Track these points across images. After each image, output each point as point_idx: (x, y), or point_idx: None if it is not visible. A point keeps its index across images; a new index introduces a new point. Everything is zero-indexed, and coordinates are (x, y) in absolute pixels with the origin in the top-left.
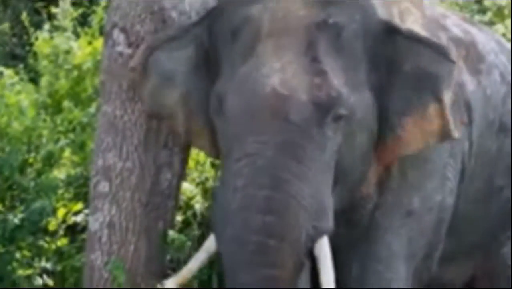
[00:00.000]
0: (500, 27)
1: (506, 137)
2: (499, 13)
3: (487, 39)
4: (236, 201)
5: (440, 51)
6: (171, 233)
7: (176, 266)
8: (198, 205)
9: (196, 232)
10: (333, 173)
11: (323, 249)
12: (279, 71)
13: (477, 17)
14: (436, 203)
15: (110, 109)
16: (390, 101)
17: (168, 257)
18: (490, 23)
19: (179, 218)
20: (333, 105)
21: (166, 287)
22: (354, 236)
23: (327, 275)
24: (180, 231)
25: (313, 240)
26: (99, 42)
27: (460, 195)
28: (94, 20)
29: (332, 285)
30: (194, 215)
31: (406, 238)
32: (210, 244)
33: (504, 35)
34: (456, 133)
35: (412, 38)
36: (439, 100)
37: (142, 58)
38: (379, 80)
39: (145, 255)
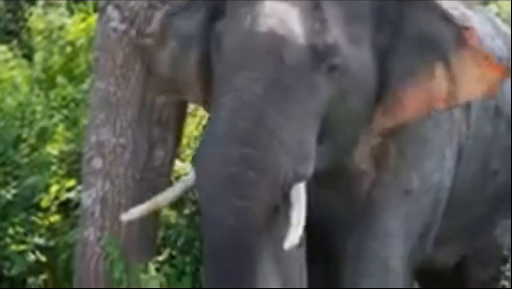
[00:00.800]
0: (493, 7)
1: (501, 122)
2: None
3: (483, 23)
4: (217, 132)
5: (444, 15)
6: (164, 210)
7: (167, 243)
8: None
9: (188, 209)
10: (321, 126)
11: (299, 195)
12: (279, 13)
13: None
14: (434, 183)
15: (104, 85)
16: (395, 64)
17: (160, 234)
18: (484, 3)
19: None
20: (329, 53)
21: (139, 211)
22: (351, 213)
23: (297, 223)
24: (173, 208)
25: (290, 183)
26: (93, 18)
27: (457, 176)
28: None
29: (298, 235)
30: (187, 192)
31: (403, 217)
32: (190, 177)
33: (498, 15)
34: (461, 101)
35: (418, 1)
36: (447, 62)
37: (160, 24)
38: (383, 42)
39: (137, 232)
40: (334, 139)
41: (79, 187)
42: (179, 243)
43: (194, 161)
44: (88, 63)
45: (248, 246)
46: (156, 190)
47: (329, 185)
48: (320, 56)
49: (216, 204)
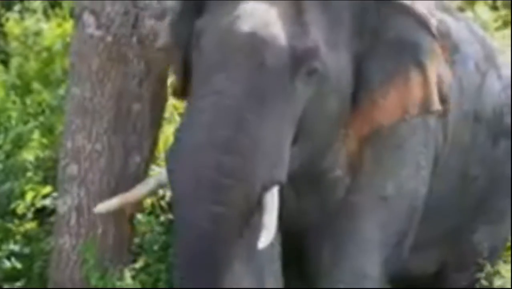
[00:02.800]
0: (470, 14)
1: (481, 127)
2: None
3: (461, 29)
4: (196, 137)
5: (421, 22)
6: (139, 217)
7: (143, 250)
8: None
9: (164, 216)
10: (296, 128)
11: (272, 199)
12: (261, 14)
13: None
14: (409, 191)
15: (80, 91)
16: (371, 68)
17: (136, 241)
18: (460, 10)
19: (148, 201)
20: (309, 57)
21: (110, 204)
22: (326, 218)
23: (268, 228)
24: (148, 214)
25: (266, 187)
26: (69, 24)
27: (433, 184)
28: (65, 2)
29: (269, 240)
30: (163, 197)
31: (379, 224)
32: (161, 175)
33: (474, 22)
34: (436, 107)
35: (395, 8)
36: (422, 69)
37: (167, 35)
38: (361, 46)
39: (113, 239)
40: (308, 142)
41: (55, 194)
42: (154, 250)
43: (167, 160)
44: (64, 69)
45: (221, 251)
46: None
47: (304, 189)
48: (300, 59)
49: (192, 208)
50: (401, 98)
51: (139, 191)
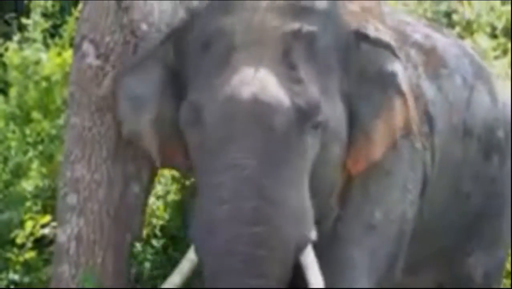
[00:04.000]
0: (468, 42)
1: (472, 142)
2: (467, 28)
3: (448, 44)
4: (222, 213)
5: (391, 50)
6: (138, 246)
7: (138, 279)
8: (159, 218)
9: (157, 244)
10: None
11: (309, 256)
12: (257, 79)
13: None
14: (397, 216)
15: (79, 121)
16: (362, 107)
17: (133, 270)
18: (459, 38)
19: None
20: (313, 112)
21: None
22: (317, 249)
23: (317, 283)
24: (144, 243)
25: (300, 248)
26: (68, 54)
27: (423, 204)
28: (65, 32)
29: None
30: (155, 227)
31: (368, 251)
32: (191, 255)
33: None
34: (415, 126)
35: (374, 42)
36: (401, 93)
37: (111, 85)
38: (349, 87)
39: (112, 268)
40: (319, 192)
41: (54, 223)
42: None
43: (194, 240)
44: (63, 99)
45: None
46: (130, 227)
47: None
48: (305, 116)
49: (231, 283)
50: (389, 128)
51: (174, 280)
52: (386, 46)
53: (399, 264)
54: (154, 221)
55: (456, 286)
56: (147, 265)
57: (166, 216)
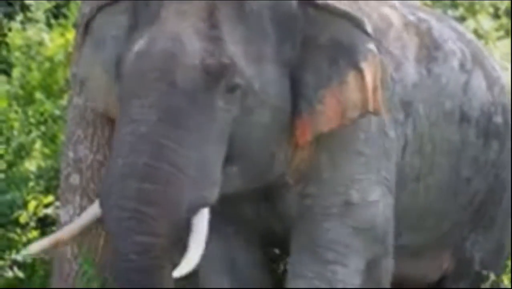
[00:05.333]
0: (471, 23)
1: (470, 127)
2: (470, 8)
3: (444, 27)
4: (117, 167)
5: (355, 23)
6: None
7: None
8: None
9: None
10: (229, 147)
11: (202, 220)
12: (172, 34)
13: (449, 12)
14: (376, 197)
15: (82, 101)
16: (307, 76)
17: None
18: (462, 18)
19: None
20: (225, 73)
21: (41, 245)
22: (288, 229)
23: (195, 251)
24: None
25: (194, 210)
26: (71, 34)
27: (419, 189)
28: (68, 12)
29: (194, 262)
30: None
31: (351, 228)
32: (95, 208)
33: (475, 31)
34: (373, 108)
35: (327, 10)
36: (358, 71)
37: (85, 20)
38: (293, 56)
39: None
40: (249, 159)
41: (57, 203)
42: None
43: (99, 194)
44: (66, 79)
45: (152, 282)
46: None
47: (259, 200)
48: (215, 76)
49: (119, 239)
50: (339, 103)
51: (71, 229)
52: (343, 16)
53: (392, 252)
54: None
55: (458, 271)
56: None
57: None
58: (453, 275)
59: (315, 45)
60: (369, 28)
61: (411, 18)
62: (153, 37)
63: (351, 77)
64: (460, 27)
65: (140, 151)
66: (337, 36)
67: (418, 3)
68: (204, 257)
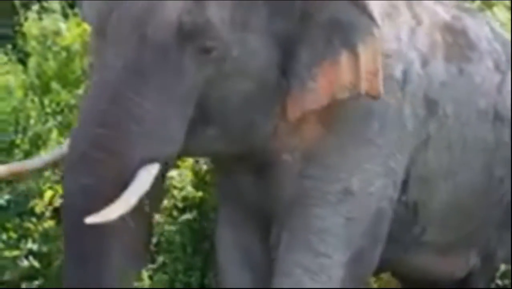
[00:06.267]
0: (487, 15)
1: (504, 127)
2: (487, 1)
3: (480, 27)
4: (82, 112)
5: (356, 4)
6: (157, 217)
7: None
8: (186, 190)
9: (182, 216)
10: (205, 108)
11: (146, 174)
12: None
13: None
14: (377, 189)
15: None
16: (301, 52)
17: (154, 240)
18: (479, 10)
19: (165, 202)
20: (199, 34)
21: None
22: (281, 207)
23: (124, 200)
24: (167, 216)
25: (144, 163)
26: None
27: (451, 184)
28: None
29: (117, 213)
30: (185, 199)
31: (344, 219)
32: (64, 146)
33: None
34: (371, 92)
35: None
36: (353, 51)
37: None
38: (288, 28)
39: (129, 238)
40: (227, 123)
41: None
42: (171, 250)
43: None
44: (83, 69)
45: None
46: (147, 195)
47: (249, 172)
48: (187, 36)
49: (67, 181)
50: (329, 82)
51: (36, 161)
52: None
53: (377, 250)
54: (175, 192)
55: (483, 268)
56: (168, 236)
57: (189, 188)
58: (479, 272)
59: (313, 22)
60: (371, 10)
61: (446, 16)
62: None
63: (344, 58)
64: (496, 26)
65: (101, 97)
66: (336, 15)
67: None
68: (221, 249)
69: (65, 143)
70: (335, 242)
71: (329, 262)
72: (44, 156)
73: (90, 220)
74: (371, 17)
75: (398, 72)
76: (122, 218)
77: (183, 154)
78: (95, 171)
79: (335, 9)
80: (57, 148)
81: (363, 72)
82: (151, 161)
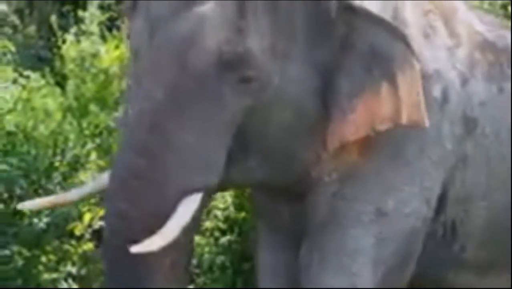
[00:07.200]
0: None
1: None
2: None
3: None
4: (123, 140)
5: (395, 33)
6: (197, 238)
7: (200, 270)
8: (229, 210)
9: (222, 238)
10: (244, 139)
11: (186, 206)
12: (197, 17)
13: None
14: (412, 210)
15: None
16: (342, 82)
17: (194, 262)
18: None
19: (207, 223)
20: (239, 64)
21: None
22: (314, 225)
23: (164, 233)
24: (208, 237)
25: (184, 192)
26: (126, 47)
27: (485, 205)
28: (123, 24)
29: (156, 245)
30: (227, 219)
31: (375, 239)
32: (103, 176)
33: None
34: (414, 121)
35: (368, 17)
36: (393, 82)
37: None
38: (327, 58)
39: (170, 261)
40: (267, 152)
41: None
42: (212, 271)
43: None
44: (121, 91)
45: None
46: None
47: (287, 195)
48: (228, 65)
49: (108, 207)
50: (370, 113)
51: (77, 192)
52: (382, 24)
53: (408, 269)
54: (218, 213)
55: None
56: (209, 257)
57: (231, 208)
58: None
59: (353, 51)
60: (407, 39)
61: (488, 36)
62: (182, 19)
63: (384, 89)
64: None
65: (140, 126)
66: (375, 44)
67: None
68: (262, 272)
69: (106, 173)
70: (366, 262)
71: (360, 282)
72: (85, 187)
73: (133, 249)
74: (408, 46)
75: (437, 92)
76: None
77: (225, 184)
78: (135, 200)
79: (373, 38)
80: (97, 178)
81: (403, 103)
82: (191, 191)
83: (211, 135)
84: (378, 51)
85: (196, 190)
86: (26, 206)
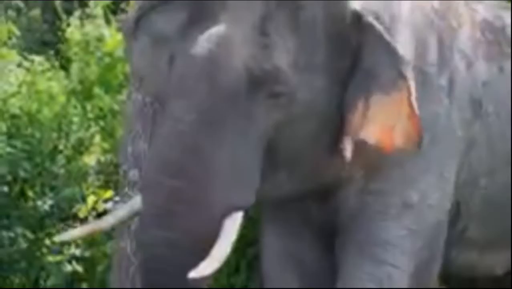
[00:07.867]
0: None
1: None
2: None
3: None
4: (153, 163)
5: (395, 55)
6: None
7: None
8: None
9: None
10: (274, 153)
11: (232, 225)
12: (221, 37)
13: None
14: (435, 201)
15: (141, 96)
16: (349, 93)
17: None
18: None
19: None
20: (268, 81)
21: (78, 232)
22: (345, 219)
23: (217, 254)
24: None
25: (226, 213)
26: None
27: (488, 184)
28: (127, 8)
29: (212, 269)
30: None
31: (406, 230)
32: (136, 201)
33: None
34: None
35: (375, 38)
36: (406, 78)
37: (134, 18)
38: (344, 71)
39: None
40: (296, 164)
41: (116, 198)
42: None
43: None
44: (125, 74)
45: (181, 275)
46: None
47: (319, 199)
48: (257, 82)
49: (147, 234)
50: (396, 109)
51: (108, 220)
52: (391, 50)
53: (439, 261)
54: None
55: None
56: None
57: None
58: None
59: (358, 67)
60: (408, 74)
61: (487, 15)
62: (203, 39)
63: (403, 87)
64: None
65: (175, 149)
66: (375, 67)
67: None
68: (268, 257)
69: (136, 197)
70: (399, 253)
71: (395, 272)
72: (119, 212)
73: (191, 275)
74: (406, 64)
75: (444, 81)
76: None
77: (258, 199)
78: (179, 224)
79: (374, 61)
80: (130, 201)
81: (397, 116)
82: (232, 210)
83: (246, 153)
84: (376, 73)
85: (238, 208)
86: (62, 238)
